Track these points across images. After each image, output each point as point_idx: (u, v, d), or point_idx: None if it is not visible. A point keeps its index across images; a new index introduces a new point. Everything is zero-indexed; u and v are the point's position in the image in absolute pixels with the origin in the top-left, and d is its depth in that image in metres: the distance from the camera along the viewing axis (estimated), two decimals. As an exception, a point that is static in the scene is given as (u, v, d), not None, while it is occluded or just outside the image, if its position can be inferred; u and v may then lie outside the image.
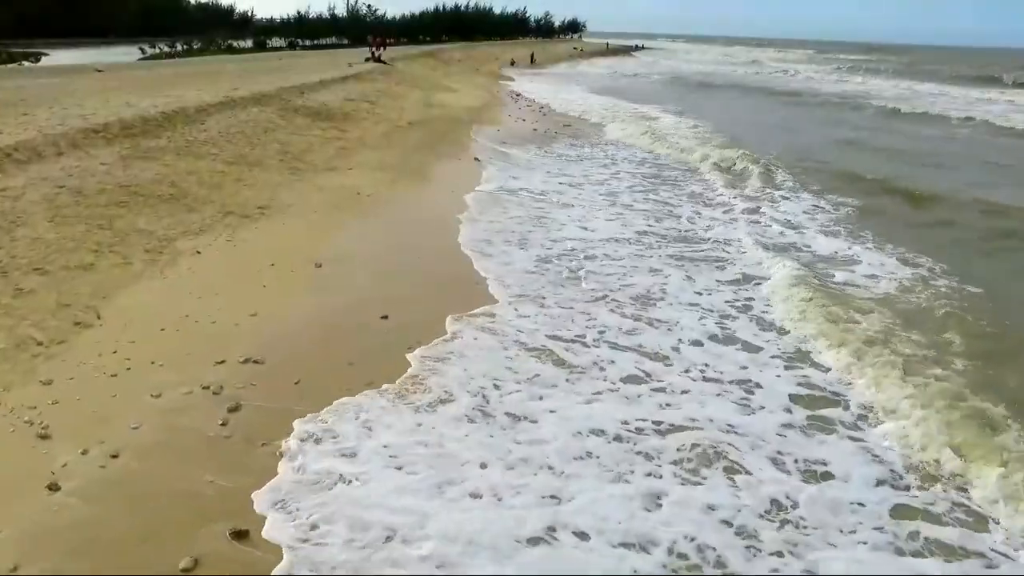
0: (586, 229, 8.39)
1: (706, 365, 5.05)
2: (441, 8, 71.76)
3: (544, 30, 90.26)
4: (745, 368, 5.05)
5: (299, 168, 10.03)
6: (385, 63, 27.48)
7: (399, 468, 3.63)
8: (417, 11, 69.89)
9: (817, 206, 9.99)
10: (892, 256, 7.66)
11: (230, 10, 66.94)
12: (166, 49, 42.14)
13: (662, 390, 4.66)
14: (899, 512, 3.57)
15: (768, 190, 10.91)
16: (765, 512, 3.51)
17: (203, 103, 12.38)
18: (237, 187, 8.53)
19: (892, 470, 3.90)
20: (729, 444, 4.05)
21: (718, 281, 6.83)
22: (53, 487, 3.22)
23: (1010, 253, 8.16)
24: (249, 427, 3.86)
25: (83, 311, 4.96)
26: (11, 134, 8.52)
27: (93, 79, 17.38)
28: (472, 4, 74.97)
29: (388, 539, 3.13)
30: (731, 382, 4.83)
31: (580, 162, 13.07)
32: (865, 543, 3.33)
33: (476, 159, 12.30)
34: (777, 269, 6.98)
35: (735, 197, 10.47)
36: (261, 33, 56.80)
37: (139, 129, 9.95)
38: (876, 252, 7.80)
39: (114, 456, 3.49)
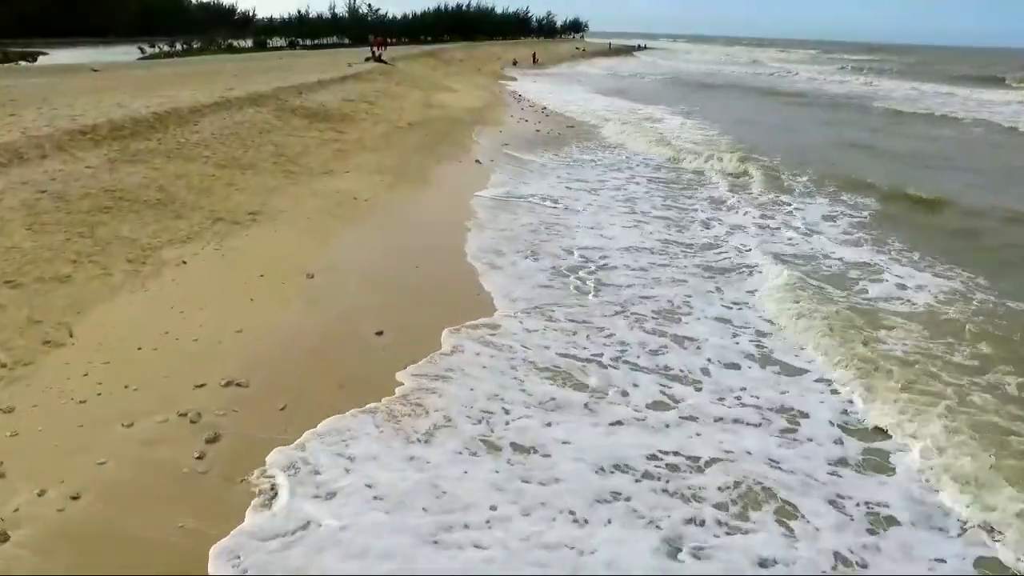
0: (603, 236, 8.02)
1: (743, 390, 4.62)
2: (443, 8, 71.67)
3: (546, 30, 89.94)
4: (786, 393, 4.63)
5: (294, 171, 9.66)
6: (386, 63, 27.16)
7: (386, 512, 3.24)
8: (419, 11, 69.98)
9: (836, 212, 9.58)
10: (925, 270, 7.18)
11: (231, 10, 66.78)
12: (165, 49, 41.87)
13: (693, 418, 4.24)
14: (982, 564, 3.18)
15: (784, 197, 10.47)
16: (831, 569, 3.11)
17: (197, 104, 12.03)
18: (228, 192, 8.16)
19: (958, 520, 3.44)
20: (776, 481, 3.64)
21: (748, 292, 6.44)
22: (1, 536, 2.87)
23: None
24: (228, 460, 3.51)
25: (55, 328, 4.60)
26: (-7, 136, 8.18)
27: (88, 79, 17.05)
28: (474, 4, 74.88)
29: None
30: (771, 409, 4.40)
31: (587, 166, 12.70)
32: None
33: (477, 161, 11.96)
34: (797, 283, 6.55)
35: (753, 204, 10.05)
36: (262, 33, 56.54)
37: (129, 131, 9.61)
38: (907, 266, 7.31)
39: (74, 498, 3.13)
